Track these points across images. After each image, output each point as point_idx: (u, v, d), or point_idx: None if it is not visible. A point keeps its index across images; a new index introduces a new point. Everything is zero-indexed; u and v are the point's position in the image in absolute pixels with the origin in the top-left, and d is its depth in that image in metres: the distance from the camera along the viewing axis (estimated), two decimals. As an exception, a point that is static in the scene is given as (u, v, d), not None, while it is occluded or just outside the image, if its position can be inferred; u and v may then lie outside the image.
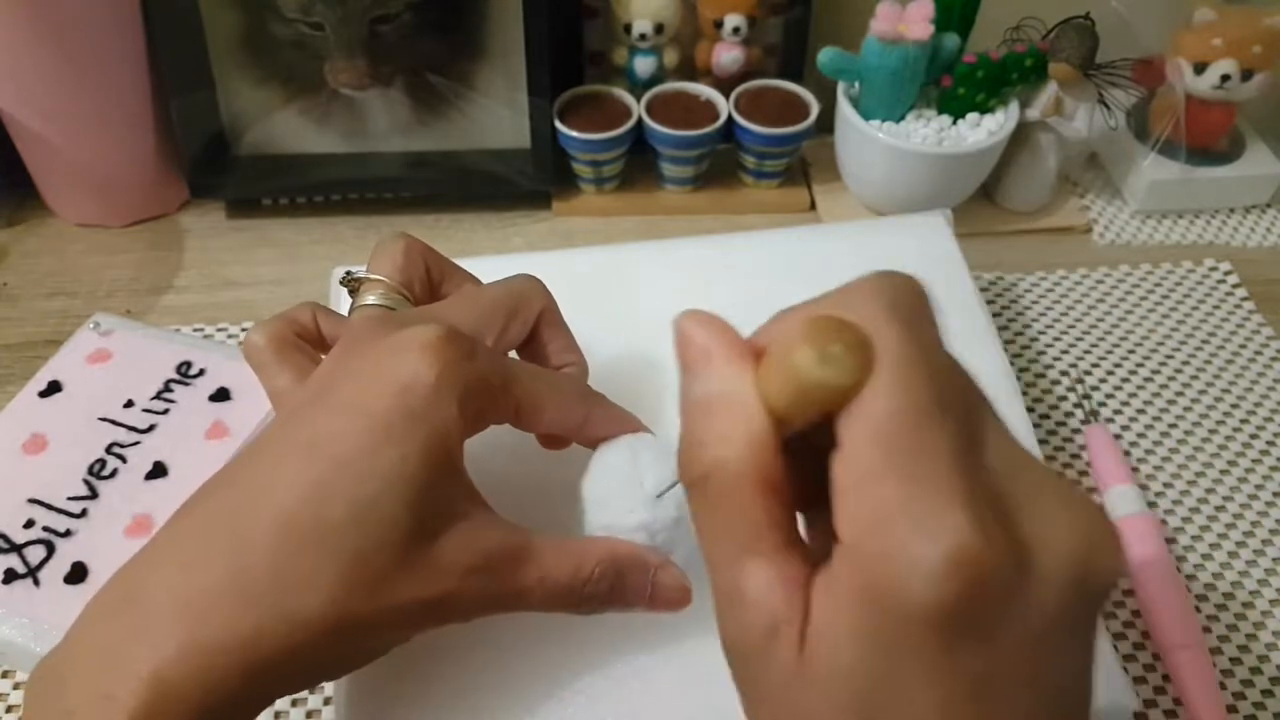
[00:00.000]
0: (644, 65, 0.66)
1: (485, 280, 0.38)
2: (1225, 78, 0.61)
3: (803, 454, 0.23)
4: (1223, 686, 0.44)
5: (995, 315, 0.61)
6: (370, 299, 0.35)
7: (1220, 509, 0.51)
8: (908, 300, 0.23)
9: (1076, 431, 0.55)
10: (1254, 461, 0.53)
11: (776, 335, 0.23)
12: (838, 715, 0.21)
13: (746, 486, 0.22)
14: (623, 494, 0.33)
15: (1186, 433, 0.55)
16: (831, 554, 0.22)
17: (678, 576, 0.33)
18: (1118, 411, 0.56)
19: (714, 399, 0.23)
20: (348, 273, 0.37)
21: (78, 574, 0.44)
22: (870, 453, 0.21)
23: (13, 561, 0.44)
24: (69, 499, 0.47)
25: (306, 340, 0.36)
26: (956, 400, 0.22)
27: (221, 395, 0.51)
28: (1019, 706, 0.21)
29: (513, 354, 0.37)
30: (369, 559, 0.28)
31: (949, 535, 0.20)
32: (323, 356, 0.36)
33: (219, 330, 0.60)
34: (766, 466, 0.22)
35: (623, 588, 0.32)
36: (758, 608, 0.22)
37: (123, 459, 0.48)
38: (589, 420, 0.34)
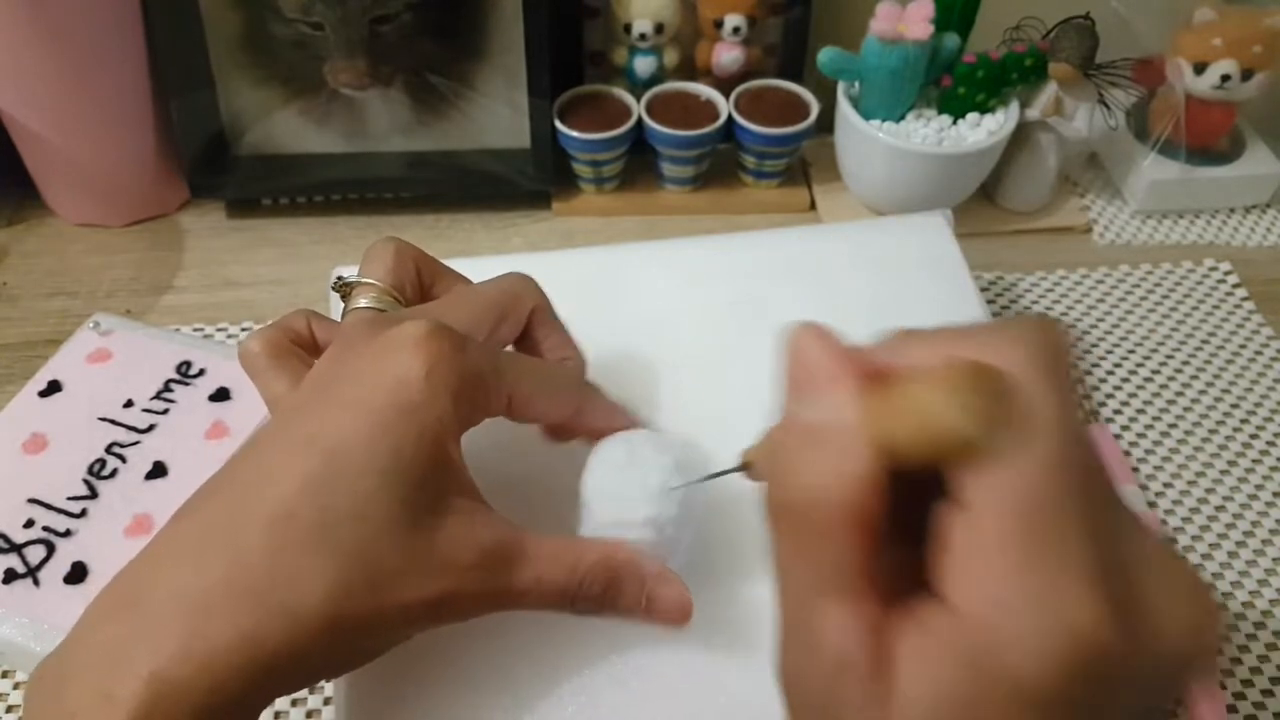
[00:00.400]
0: (644, 65, 0.66)
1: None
2: (1225, 78, 0.61)
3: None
4: (1223, 686, 0.44)
5: (995, 315, 0.61)
6: (362, 302, 0.36)
7: (1220, 509, 0.51)
8: (1055, 355, 0.21)
9: (1076, 431, 0.54)
10: (1254, 461, 0.53)
11: (907, 366, 0.22)
12: None
13: (842, 527, 0.21)
14: (626, 490, 0.33)
15: (1186, 433, 0.55)
16: (927, 607, 0.21)
17: (679, 590, 0.33)
18: (1118, 411, 0.56)
19: (821, 427, 0.22)
20: (339, 277, 0.38)
21: (78, 574, 0.44)
22: (1002, 524, 0.20)
23: (13, 561, 0.44)
24: (69, 499, 0.47)
25: (301, 346, 0.36)
26: (1094, 477, 0.21)
27: (221, 395, 0.51)
28: None
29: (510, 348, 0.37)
30: (367, 553, 0.28)
31: (1073, 614, 0.19)
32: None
33: (219, 330, 0.60)
34: (867, 506, 0.21)
35: (616, 593, 0.32)
36: (831, 652, 0.21)
37: (123, 459, 0.48)
38: (582, 411, 0.35)
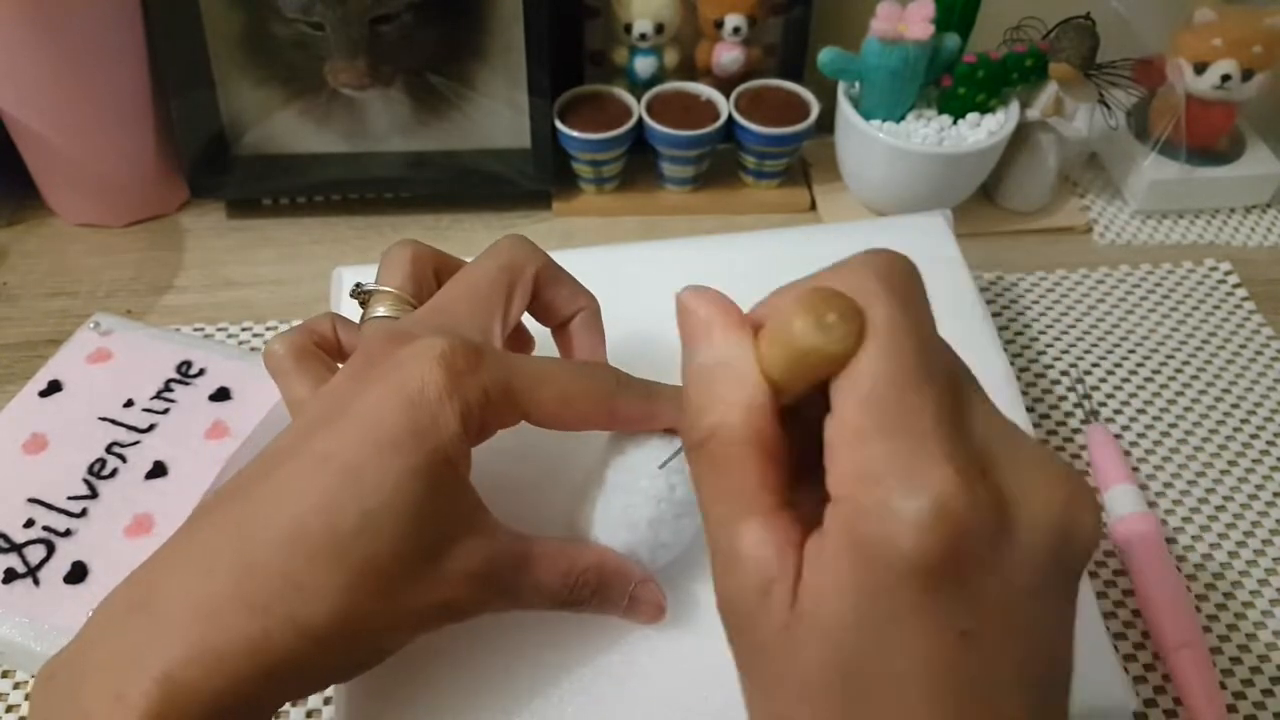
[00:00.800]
0: (644, 65, 0.66)
1: None
2: (1225, 78, 0.61)
3: (795, 427, 0.24)
4: (1223, 686, 0.44)
5: (995, 315, 0.61)
6: (380, 310, 0.36)
7: (1220, 509, 0.51)
8: (899, 274, 0.24)
9: (1077, 431, 0.55)
10: (1254, 461, 0.53)
11: (774, 308, 0.25)
12: (827, 668, 0.22)
13: (744, 450, 0.23)
14: (648, 453, 0.34)
15: (1187, 433, 0.55)
16: (824, 515, 0.23)
17: (655, 594, 0.35)
18: (1118, 411, 0.56)
19: (715, 367, 0.24)
20: (357, 284, 0.37)
21: (78, 574, 0.44)
22: (858, 413, 0.22)
23: (13, 561, 0.44)
24: (69, 498, 0.46)
25: (325, 350, 0.36)
26: (942, 369, 0.23)
27: (221, 395, 0.51)
28: (1006, 659, 0.22)
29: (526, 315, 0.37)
30: (377, 569, 0.28)
31: (932, 487, 0.21)
32: (340, 366, 0.37)
33: (219, 330, 0.60)
34: (763, 431, 0.23)
35: (604, 595, 0.34)
36: (751, 566, 0.23)
37: (123, 459, 0.48)
38: (615, 417, 0.34)
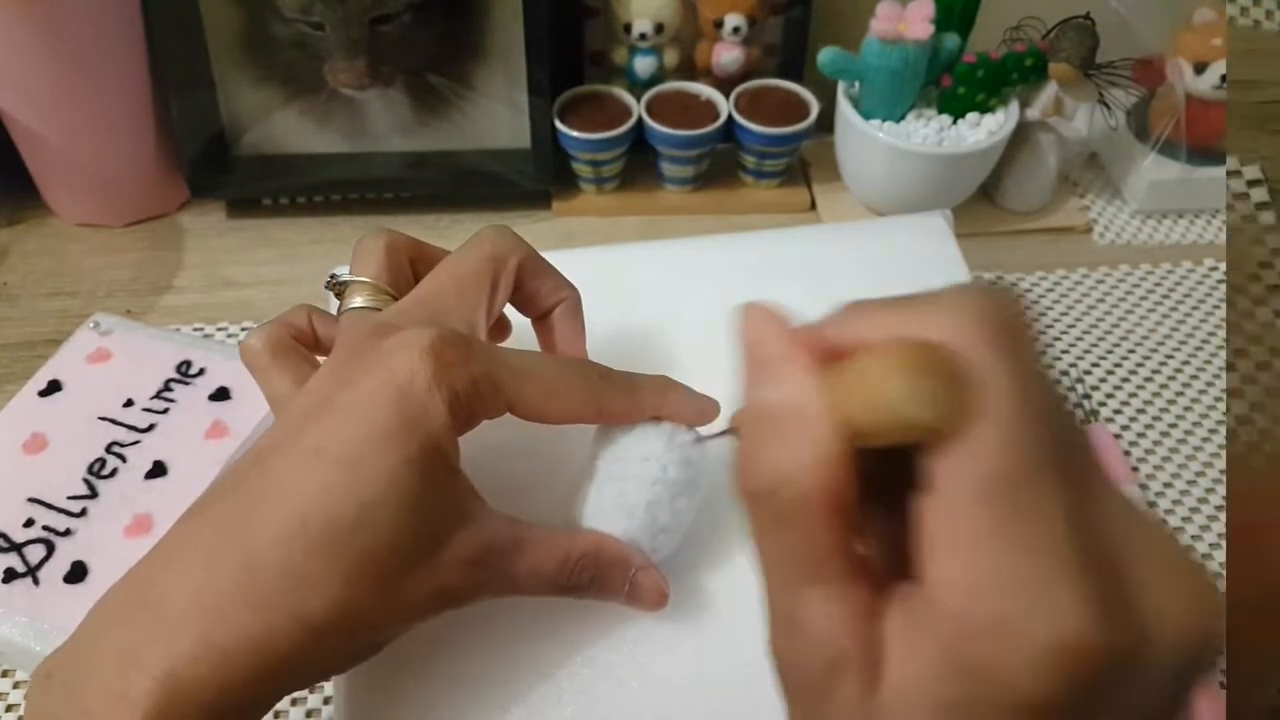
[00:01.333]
0: (644, 65, 0.66)
1: None
2: (1225, 77, 0.61)
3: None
4: (1223, 686, 0.44)
5: (995, 315, 0.61)
6: (357, 301, 0.35)
7: (1220, 509, 0.51)
8: (1004, 322, 0.20)
9: (1076, 431, 0.55)
10: (1254, 461, 0.53)
11: (861, 342, 0.21)
12: None
13: (812, 509, 0.20)
14: (637, 439, 0.34)
15: (1186, 433, 0.55)
16: (914, 592, 0.20)
17: (657, 580, 0.34)
18: (1118, 411, 0.56)
19: (782, 409, 0.21)
20: (332, 275, 0.37)
21: (77, 573, 0.44)
22: (973, 508, 0.19)
23: (13, 561, 0.44)
24: (69, 498, 0.47)
25: (302, 343, 0.36)
26: (1067, 451, 0.20)
27: (221, 395, 0.51)
28: None
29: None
30: (375, 560, 0.28)
31: (1065, 619, 0.18)
32: (319, 359, 0.37)
33: (219, 330, 0.60)
34: (836, 488, 0.20)
35: (603, 580, 0.33)
36: (819, 641, 0.20)
37: (123, 458, 0.48)
38: (600, 412, 0.34)
